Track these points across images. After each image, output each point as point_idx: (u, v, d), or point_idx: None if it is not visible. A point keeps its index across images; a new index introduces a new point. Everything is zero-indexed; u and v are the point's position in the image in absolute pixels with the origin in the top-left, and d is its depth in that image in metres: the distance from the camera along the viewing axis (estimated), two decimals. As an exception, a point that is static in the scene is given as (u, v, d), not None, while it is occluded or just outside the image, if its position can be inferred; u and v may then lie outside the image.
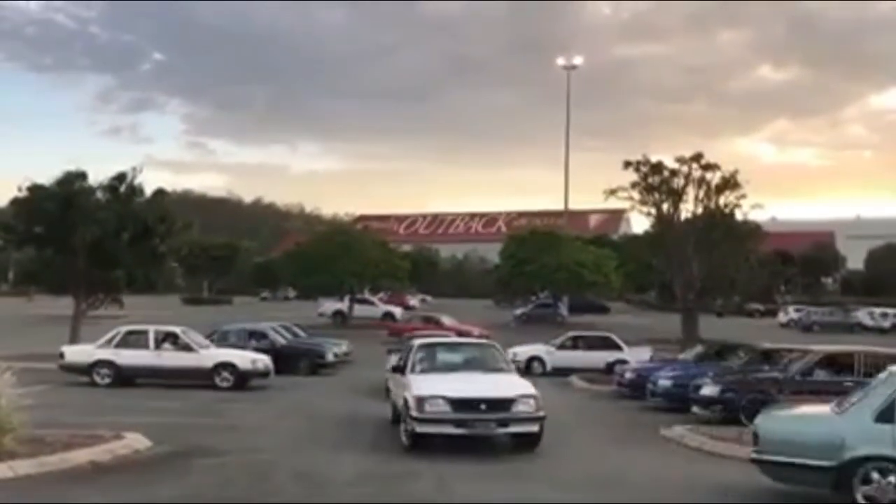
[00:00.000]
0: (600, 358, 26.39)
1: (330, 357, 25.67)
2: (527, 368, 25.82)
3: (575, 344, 28.37)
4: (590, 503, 8.97)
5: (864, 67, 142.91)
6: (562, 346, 28.28)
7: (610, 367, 24.27)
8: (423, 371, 12.44)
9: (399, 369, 13.30)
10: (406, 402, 11.57)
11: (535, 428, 11.44)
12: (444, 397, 11.19)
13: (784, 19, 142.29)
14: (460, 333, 32.58)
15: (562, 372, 25.57)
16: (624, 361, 24.56)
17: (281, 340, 25.80)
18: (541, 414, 11.44)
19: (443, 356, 13.22)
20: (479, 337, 32.55)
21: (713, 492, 9.46)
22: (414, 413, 11.23)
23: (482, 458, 11.13)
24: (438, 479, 9.71)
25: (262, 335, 25.43)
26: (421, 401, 11.23)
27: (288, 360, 23.87)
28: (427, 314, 42.09)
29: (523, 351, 27.47)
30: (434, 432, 11.30)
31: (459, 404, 11.19)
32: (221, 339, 24.09)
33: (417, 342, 13.61)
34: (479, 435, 11.43)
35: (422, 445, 11.37)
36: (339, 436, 13.16)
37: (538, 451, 11.56)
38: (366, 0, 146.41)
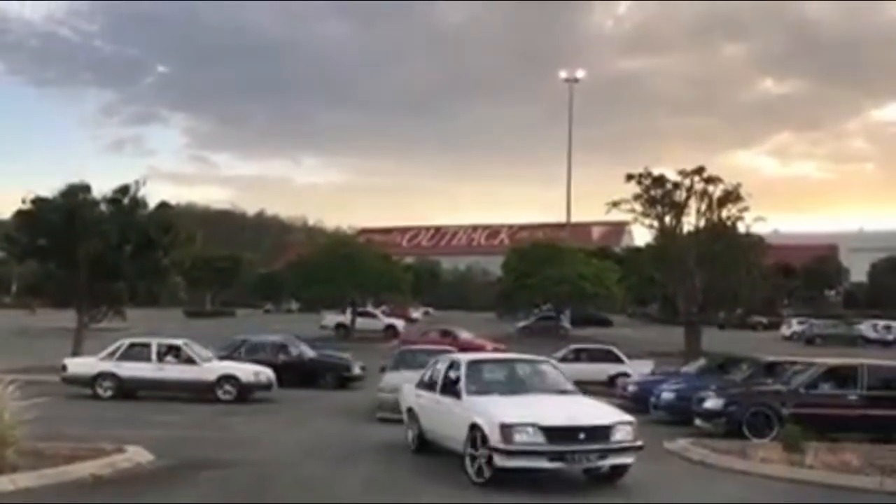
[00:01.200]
0: (602, 371, 26.35)
1: (356, 371, 25.73)
2: None
3: (577, 357, 28.32)
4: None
5: (865, 81, 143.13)
6: (564, 359, 28.17)
7: (612, 380, 24.22)
8: (482, 392, 10.68)
9: (429, 386, 12.01)
10: (476, 429, 9.86)
11: (631, 459, 9.98)
12: (536, 425, 9.50)
13: (786, 33, 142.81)
14: (472, 348, 32.39)
15: None
16: (626, 374, 24.51)
17: (310, 353, 26.20)
18: (639, 443, 10.01)
19: (499, 375, 11.59)
20: (494, 350, 32.46)
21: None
22: (498, 444, 9.44)
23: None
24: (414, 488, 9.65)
25: (290, 348, 25.58)
26: (508, 429, 9.45)
27: (315, 374, 24.62)
28: (444, 328, 41.03)
29: None
30: (524, 466, 9.54)
31: (555, 434, 9.51)
32: (251, 352, 24.32)
33: (466, 358, 11.82)
34: (574, 469, 9.91)
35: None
36: (342, 448, 13.11)
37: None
38: (369, 14, 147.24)
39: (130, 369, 20.23)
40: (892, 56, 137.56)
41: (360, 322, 50.14)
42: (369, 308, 54.66)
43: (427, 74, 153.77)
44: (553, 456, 9.51)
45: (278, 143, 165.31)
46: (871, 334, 52.37)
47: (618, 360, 27.56)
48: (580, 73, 66.82)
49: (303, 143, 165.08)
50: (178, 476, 10.31)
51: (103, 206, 27.71)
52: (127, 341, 21.36)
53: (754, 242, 38.90)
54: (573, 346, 29.80)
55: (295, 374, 23.58)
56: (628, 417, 10.15)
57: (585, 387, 24.17)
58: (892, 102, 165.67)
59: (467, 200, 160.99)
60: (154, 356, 20.55)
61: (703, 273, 36.58)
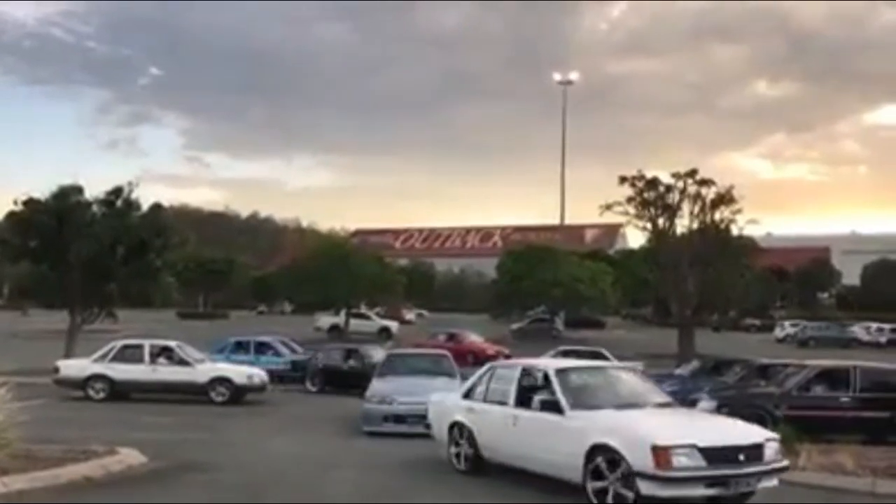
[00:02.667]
0: None
1: None
2: None
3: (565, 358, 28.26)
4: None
5: (859, 84, 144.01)
6: None
7: None
8: (591, 407, 9.14)
9: (489, 398, 10.46)
10: (602, 451, 8.37)
11: (777, 481, 8.75)
12: (695, 446, 8.06)
13: (780, 35, 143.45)
14: (474, 350, 32.29)
15: None
16: None
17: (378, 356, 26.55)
18: (786, 463, 8.92)
19: (599, 386, 9.95)
20: (496, 354, 32.34)
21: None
22: (649, 470, 7.93)
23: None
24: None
25: (360, 352, 25.71)
26: (664, 452, 7.92)
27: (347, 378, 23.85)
28: (452, 330, 40.61)
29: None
30: (680, 496, 8.13)
31: (714, 455, 8.14)
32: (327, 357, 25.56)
33: (554, 366, 10.16)
34: (731, 495, 8.43)
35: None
36: (336, 449, 13.10)
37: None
38: (362, 15, 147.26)
39: (123, 371, 20.18)
40: (885, 59, 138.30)
41: (354, 324, 50.16)
42: (363, 310, 54.66)
43: (421, 76, 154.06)
44: (712, 481, 8.11)
45: (272, 144, 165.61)
46: (864, 336, 52.56)
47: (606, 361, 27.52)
48: (574, 76, 67.13)
49: (297, 144, 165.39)
50: (170, 478, 10.28)
51: (96, 208, 27.64)
52: (119, 343, 21.32)
53: (747, 245, 39.00)
54: (562, 348, 29.69)
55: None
56: (774, 434, 9.07)
57: None
58: (884, 105, 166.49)
59: (461, 202, 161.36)
60: (147, 358, 20.50)
61: (696, 275, 36.63)
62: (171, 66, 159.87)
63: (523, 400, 9.80)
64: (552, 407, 9.23)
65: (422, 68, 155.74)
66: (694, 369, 21.55)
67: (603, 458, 8.33)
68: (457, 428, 10.85)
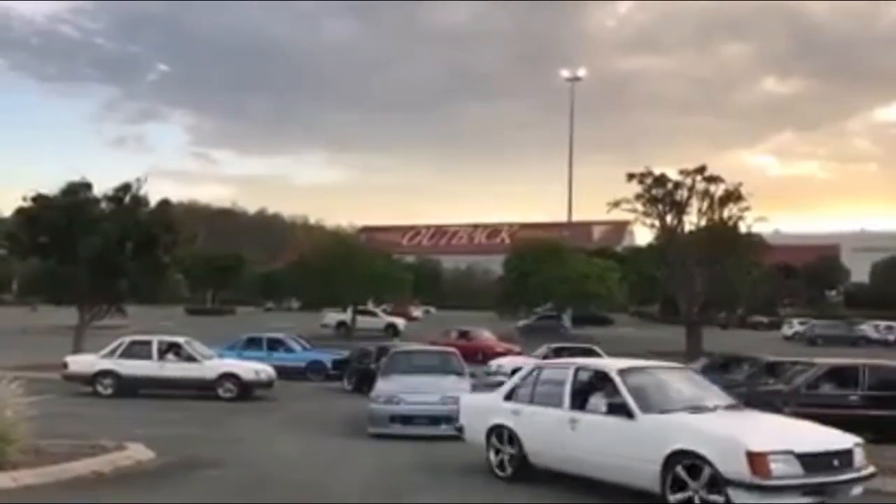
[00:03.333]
0: None
1: None
2: None
3: (557, 355, 28.26)
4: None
5: (868, 80, 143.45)
6: (545, 358, 28.17)
7: None
8: (665, 410, 8.58)
9: (537, 399, 9.93)
10: (683, 457, 7.87)
11: (862, 489, 8.35)
12: (792, 452, 7.63)
13: (789, 32, 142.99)
14: (484, 349, 32.17)
15: None
16: None
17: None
18: (873, 470, 8.49)
19: (665, 388, 9.32)
20: (505, 352, 32.19)
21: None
22: (745, 478, 7.43)
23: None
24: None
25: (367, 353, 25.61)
26: (761, 459, 7.45)
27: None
28: (463, 328, 40.00)
29: (508, 362, 27.28)
30: None
31: (811, 462, 7.71)
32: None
33: (615, 366, 9.50)
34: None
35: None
36: (345, 446, 13.11)
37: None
38: (371, 12, 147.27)
39: (131, 367, 20.22)
40: (894, 56, 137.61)
41: (361, 321, 50.16)
42: (370, 307, 54.70)
43: (429, 73, 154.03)
44: (809, 490, 7.65)
45: (280, 140, 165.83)
46: (873, 335, 52.34)
47: (597, 357, 27.50)
48: (582, 72, 67.09)
49: (304, 140, 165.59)
50: (178, 474, 10.31)
51: (104, 205, 27.71)
52: (128, 339, 21.35)
53: (756, 242, 38.90)
54: (553, 345, 29.52)
55: None
56: (859, 438, 8.53)
57: None
58: (894, 102, 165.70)
59: (468, 199, 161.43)
60: (155, 354, 20.52)
61: (704, 273, 36.58)
62: (178, 63, 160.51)
63: (580, 402, 9.31)
64: (619, 410, 8.69)
65: (429, 65, 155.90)
66: (702, 367, 21.46)
67: (685, 464, 7.86)
68: (498, 432, 10.23)
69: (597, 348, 28.59)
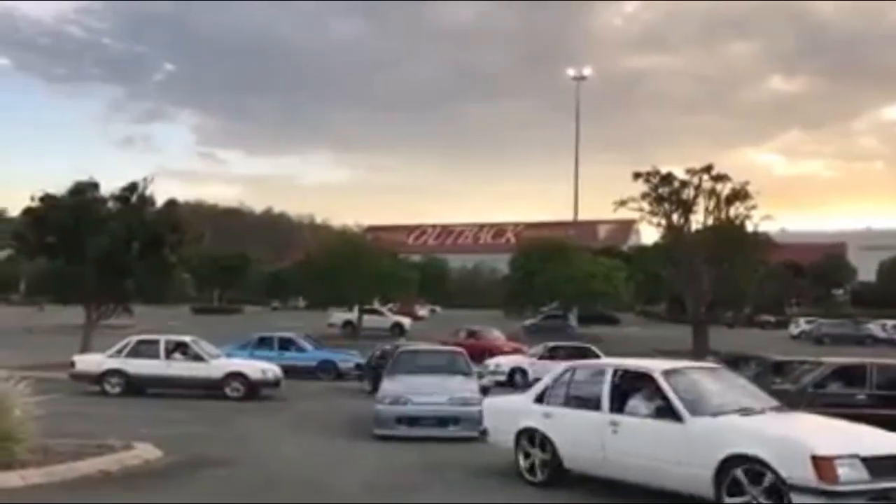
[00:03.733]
0: None
1: None
2: (510, 379, 25.74)
3: (553, 355, 28.30)
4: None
5: (875, 78, 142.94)
6: (542, 357, 28.22)
7: None
8: (715, 413, 8.31)
9: (573, 402, 9.64)
10: (740, 462, 7.60)
11: None
12: (857, 456, 7.33)
13: (795, 30, 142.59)
14: (491, 349, 32.11)
15: None
16: None
17: None
18: None
19: (709, 389, 9.03)
20: (512, 351, 32.13)
21: None
22: (813, 483, 7.14)
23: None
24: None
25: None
26: (827, 463, 7.17)
27: None
28: (473, 327, 39.85)
29: (506, 361, 27.24)
30: None
31: (876, 467, 7.36)
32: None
33: (660, 367, 9.20)
34: None
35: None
36: (351, 446, 13.12)
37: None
38: (377, 12, 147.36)
39: (138, 366, 20.27)
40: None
41: (368, 320, 50.20)
42: (376, 306, 54.72)
43: (435, 72, 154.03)
44: (875, 495, 7.29)
45: (286, 140, 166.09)
46: (880, 333, 52.16)
47: (595, 357, 27.51)
48: (588, 71, 66.96)
49: (311, 140, 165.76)
50: (186, 473, 10.33)
51: (111, 204, 27.80)
52: (135, 338, 21.41)
53: (762, 241, 38.81)
54: (550, 344, 29.59)
55: None
56: None
57: None
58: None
59: (474, 198, 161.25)
60: (162, 353, 20.57)
61: (711, 271, 36.51)
62: (184, 63, 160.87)
63: (618, 405, 9.02)
64: (666, 413, 8.42)
65: (435, 65, 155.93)
66: (708, 366, 21.44)
67: (743, 469, 7.56)
68: (528, 435, 9.92)
69: (594, 347, 28.61)
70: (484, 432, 10.86)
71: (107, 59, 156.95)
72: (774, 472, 7.35)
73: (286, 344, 27.89)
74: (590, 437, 9.15)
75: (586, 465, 9.36)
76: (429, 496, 9.43)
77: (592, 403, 9.28)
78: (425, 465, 11.28)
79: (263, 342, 27.64)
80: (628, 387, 9.24)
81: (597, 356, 27.34)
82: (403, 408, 13.89)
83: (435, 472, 10.83)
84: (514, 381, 25.60)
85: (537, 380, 26.17)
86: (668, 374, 8.87)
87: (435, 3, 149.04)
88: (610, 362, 10.31)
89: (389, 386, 14.61)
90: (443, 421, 13.69)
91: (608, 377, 9.33)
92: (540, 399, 10.05)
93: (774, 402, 9.06)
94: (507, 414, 10.54)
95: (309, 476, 10.44)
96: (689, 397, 8.51)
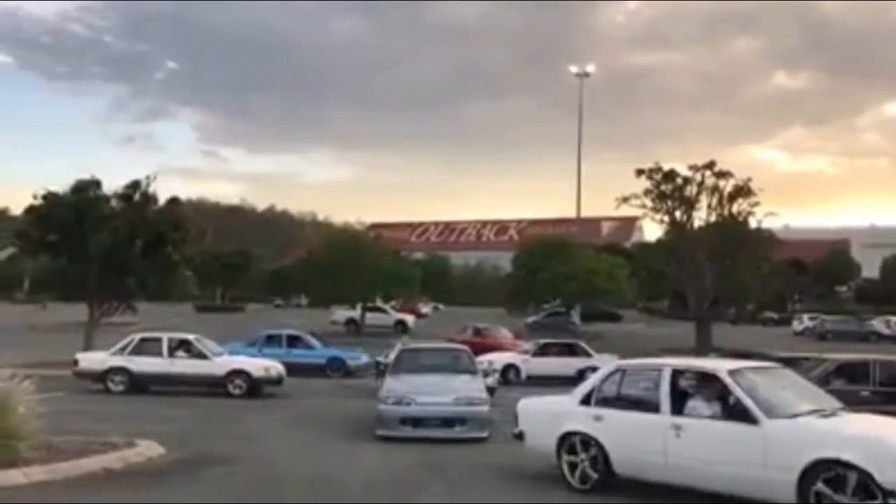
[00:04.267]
0: (570, 365, 26.52)
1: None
2: (503, 376, 25.73)
3: (545, 352, 28.36)
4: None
5: (879, 74, 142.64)
6: (535, 354, 28.26)
7: (580, 374, 24.16)
8: (792, 415, 8.00)
9: (622, 403, 9.21)
10: (826, 467, 7.26)
11: None
12: None
13: (799, 26, 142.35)
14: (495, 347, 32.00)
15: (535, 379, 25.36)
16: (594, 368, 24.47)
17: None
18: None
19: (779, 389, 8.72)
20: (517, 349, 32.03)
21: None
22: None
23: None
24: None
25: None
26: None
27: None
28: (479, 325, 39.83)
29: (499, 358, 27.27)
30: None
31: None
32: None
33: (725, 366, 8.81)
34: None
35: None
36: (352, 443, 13.12)
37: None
38: (378, 10, 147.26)
39: (141, 364, 20.29)
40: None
41: (370, 317, 50.23)
42: (379, 303, 54.75)
43: (436, 70, 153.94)
44: None
45: (288, 138, 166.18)
46: (884, 330, 52.08)
47: (586, 354, 27.70)
48: (591, 68, 66.61)
49: (313, 138, 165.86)
50: (189, 471, 10.34)
51: (114, 202, 27.81)
52: (138, 336, 21.43)
53: (765, 238, 38.74)
54: (542, 341, 29.66)
55: None
56: None
57: (551, 381, 24.37)
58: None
59: (476, 196, 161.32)
60: (165, 351, 20.59)
61: (713, 268, 36.44)
62: (187, 61, 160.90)
63: (679, 407, 8.56)
64: (738, 415, 7.98)
65: (437, 63, 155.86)
66: (711, 363, 21.43)
67: (831, 474, 7.18)
68: (574, 439, 9.39)
69: (582, 343, 28.69)
70: (520, 436, 10.28)
71: (109, 58, 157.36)
72: (868, 475, 6.97)
73: (295, 341, 28.05)
74: (649, 441, 8.68)
75: (644, 471, 8.89)
76: (431, 496, 9.42)
77: (649, 405, 8.83)
78: (427, 465, 11.27)
79: (272, 340, 27.82)
80: (688, 387, 8.85)
81: (587, 353, 27.54)
82: (407, 408, 13.42)
83: (437, 471, 10.79)
84: (508, 378, 25.60)
85: (531, 377, 26.31)
86: (734, 373, 8.44)
87: (436, 2, 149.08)
88: (666, 362, 9.68)
89: (393, 385, 14.08)
90: (448, 421, 13.34)
91: (666, 377, 8.86)
92: (587, 401, 9.52)
93: (839, 403, 8.72)
94: (548, 416, 9.97)
95: (311, 474, 10.43)
96: (762, 398, 8.08)
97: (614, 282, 50.62)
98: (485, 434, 13.33)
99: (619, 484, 9.09)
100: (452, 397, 13.53)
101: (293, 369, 22.54)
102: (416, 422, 13.34)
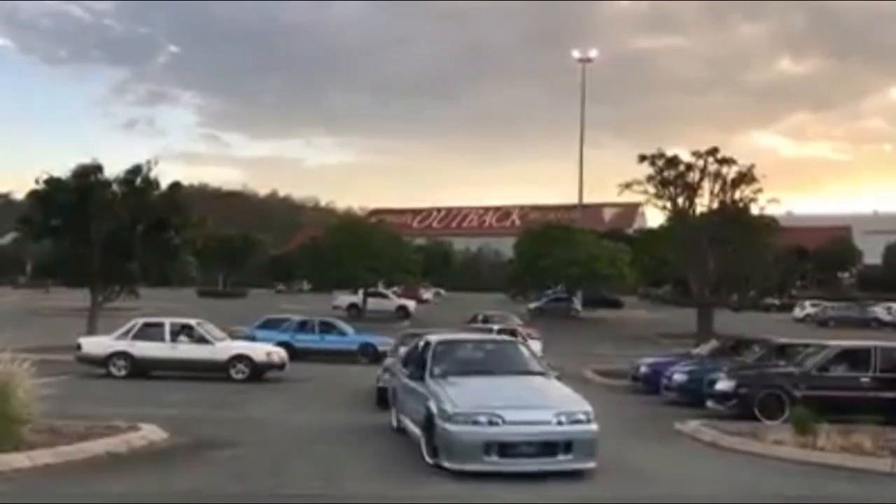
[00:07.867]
0: None
1: None
2: None
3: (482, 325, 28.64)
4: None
5: (884, 60, 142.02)
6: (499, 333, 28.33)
7: None
8: None
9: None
10: None
11: None
12: None
13: (804, 11, 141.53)
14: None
15: None
16: None
17: None
18: None
19: None
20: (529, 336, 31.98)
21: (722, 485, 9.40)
22: None
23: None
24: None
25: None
26: None
27: None
28: (489, 312, 39.83)
29: None
30: None
31: None
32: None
33: None
34: None
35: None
36: (355, 428, 13.16)
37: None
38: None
39: (144, 349, 20.38)
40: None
41: (372, 303, 50.35)
42: (381, 289, 54.82)
43: (440, 54, 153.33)
44: None
45: (290, 123, 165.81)
46: (885, 317, 52.11)
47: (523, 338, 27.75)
48: (593, 53, 66.46)
49: (315, 123, 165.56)
50: (192, 454, 10.40)
51: (115, 187, 27.82)
52: (141, 321, 21.51)
53: (768, 224, 38.70)
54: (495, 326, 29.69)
55: None
56: None
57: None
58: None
59: (479, 181, 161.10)
60: (167, 336, 20.68)
61: (716, 255, 36.40)
62: (188, 45, 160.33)
63: None
64: None
65: (440, 46, 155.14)
66: (712, 349, 21.46)
67: None
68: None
69: (522, 330, 28.46)
70: None
71: (110, 41, 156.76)
72: None
73: (328, 328, 28.63)
74: None
75: None
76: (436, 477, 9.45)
77: None
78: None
79: (304, 326, 28.44)
80: None
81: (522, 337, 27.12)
82: (494, 429, 9.10)
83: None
84: None
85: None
86: None
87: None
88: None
89: (458, 394, 9.62)
90: (550, 447, 9.20)
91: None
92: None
93: None
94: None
95: (315, 457, 10.48)
96: None
97: (616, 268, 50.66)
98: (592, 464, 9.34)
99: (609, 476, 9.10)
100: (553, 412, 9.35)
101: (326, 354, 22.93)
102: (506, 448, 9.11)
